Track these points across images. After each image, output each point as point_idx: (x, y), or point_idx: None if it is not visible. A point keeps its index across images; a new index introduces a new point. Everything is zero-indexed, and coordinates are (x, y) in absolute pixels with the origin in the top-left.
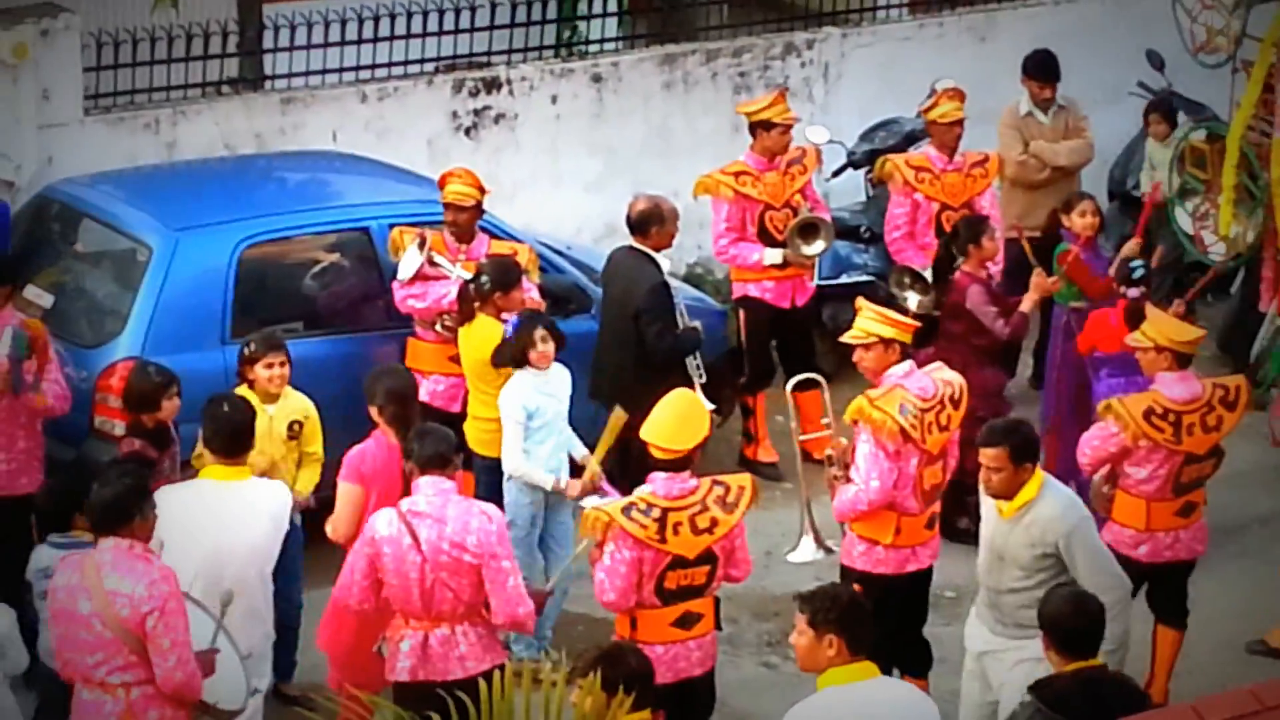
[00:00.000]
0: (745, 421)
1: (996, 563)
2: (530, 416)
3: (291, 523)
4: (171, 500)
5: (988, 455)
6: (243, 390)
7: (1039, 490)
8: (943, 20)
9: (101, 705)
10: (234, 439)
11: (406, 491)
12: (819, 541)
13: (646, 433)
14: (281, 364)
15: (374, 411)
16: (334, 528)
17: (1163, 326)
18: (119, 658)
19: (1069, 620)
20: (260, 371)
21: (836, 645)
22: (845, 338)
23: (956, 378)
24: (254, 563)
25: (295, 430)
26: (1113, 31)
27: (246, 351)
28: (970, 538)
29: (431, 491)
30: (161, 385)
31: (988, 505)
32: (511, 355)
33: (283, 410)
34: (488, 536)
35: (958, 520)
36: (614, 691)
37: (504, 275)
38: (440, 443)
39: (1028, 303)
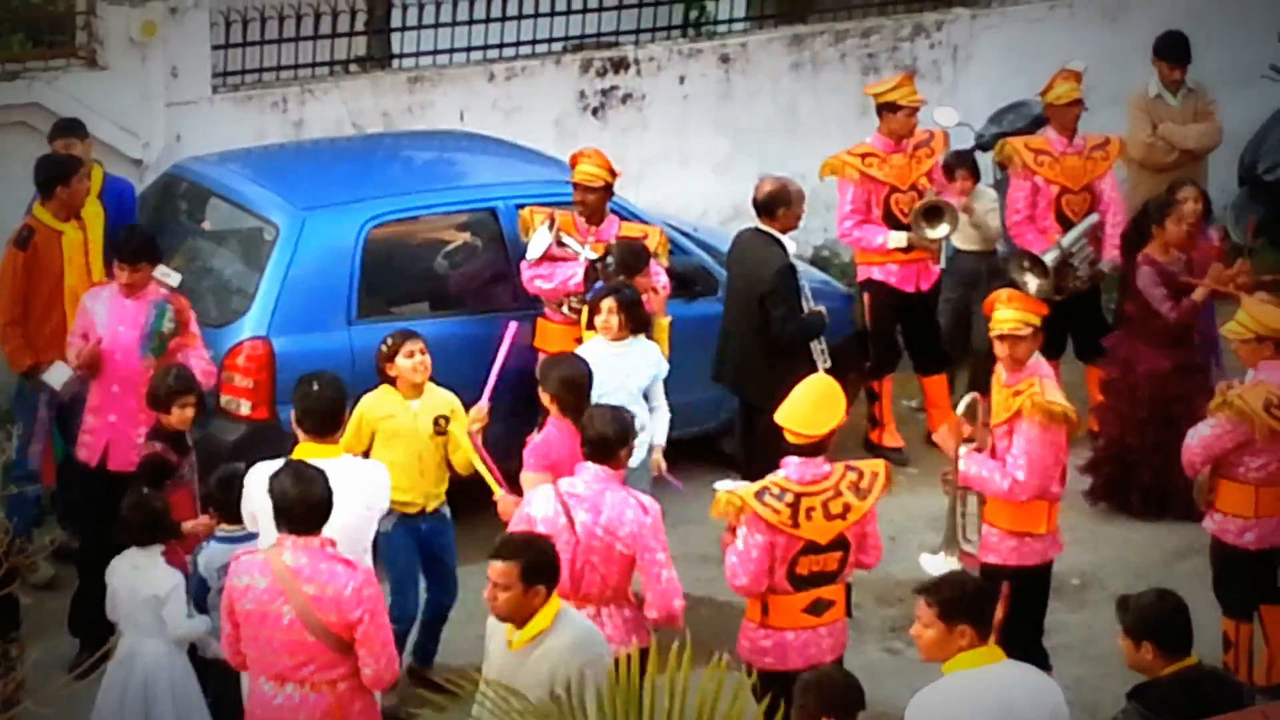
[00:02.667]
0: (870, 406)
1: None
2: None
3: (441, 517)
4: (264, 477)
5: (496, 570)
6: (384, 391)
7: (554, 620)
8: (1073, 2)
9: (305, 700)
10: (325, 418)
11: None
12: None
13: (782, 416)
14: (422, 351)
15: (546, 399)
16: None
17: (1261, 315)
18: (323, 658)
19: (1172, 618)
20: (402, 362)
21: (969, 636)
22: (1001, 329)
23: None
24: (344, 541)
25: (441, 425)
26: (1245, 13)
27: (384, 347)
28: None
29: (590, 477)
30: (173, 391)
31: (497, 634)
32: (588, 320)
33: (426, 405)
34: (641, 529)
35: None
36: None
37: (631, 259)
38: (604, 430)
39: (1200, 292)
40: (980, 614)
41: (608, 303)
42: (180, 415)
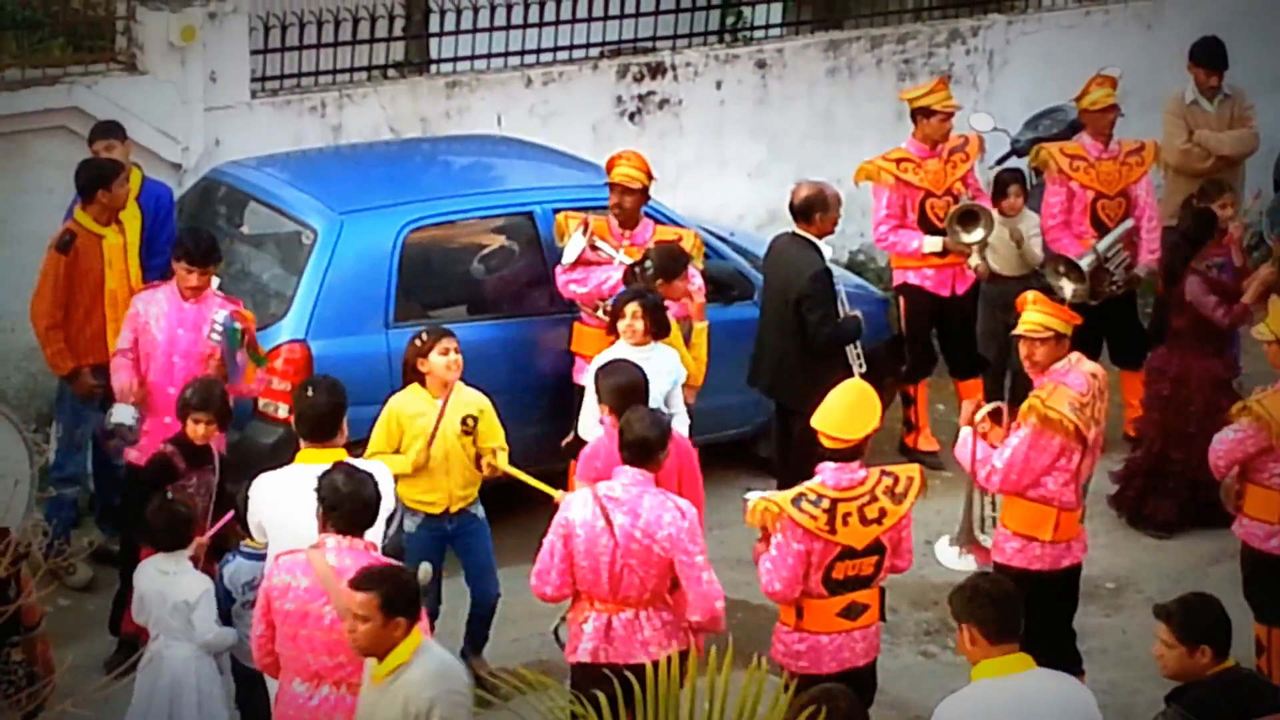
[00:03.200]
0: (906, 410)
1: None
2: None
3: (470, 516)
4: (268, 485)
5: (355, 601)
6: (413, 390)
7: (413, 653)
8: (1109, 8)
9: (341, 700)
10: (322, 423)
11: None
12: (970, 547)
13: (818, 421)
14: (456, 350)
15: (603, 408)
16: None
17: None
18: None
19: (1223, 621)
20: (435, 359)
21: (973, 634)
22: (1019, 331)
23: (1100, 369)
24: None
25: (469, 425)
26: None
27: (418, 343)
28: (1163, 528)
29: (628, 480)
30: (188, 405)
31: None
32: (609, 324)
33: (454, 405)
34: (679, 532)
35: (1155, 509)
36: None
37: (669, 262)
38: (644, 433)
39: (1250, 294)
40: (991, 616)
41: (631, 307)
42: (193, 429)
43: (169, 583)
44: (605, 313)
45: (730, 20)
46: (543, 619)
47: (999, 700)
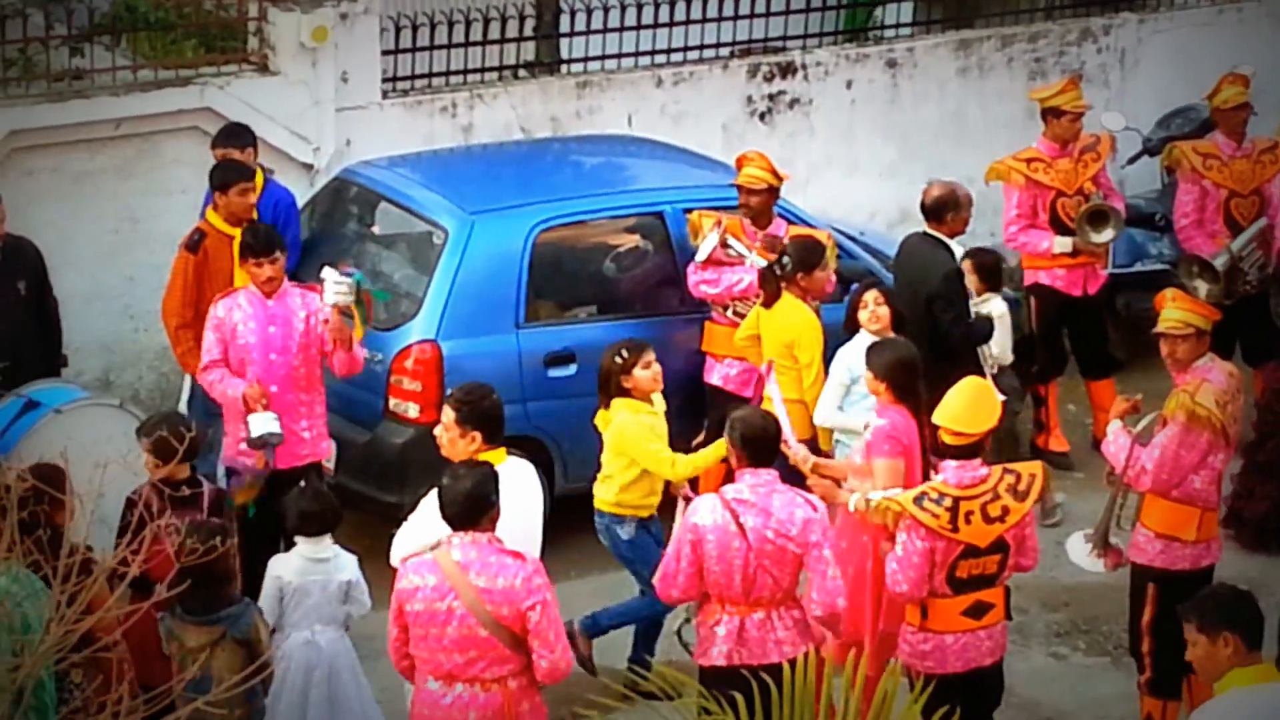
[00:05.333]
0: (1036, 410)
1: None
2: (854, 381)
3: (656, 521)
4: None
5: None
6: (628, 404)
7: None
8: (1241, 6)
9: (475, 698)
10: (499, 424)
11: (927, 468)
12: (1104, 549)
13: (939, 417)
14: (655, 360)
15: (879, 386)
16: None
17: None
18: (494, 653)
19: (1248, 605)
20: (640, 374)
21: (1233, 644)
22: (1160, 328)
23: (1235, 368)
24: (521, 539)
25: None
26: None
27: (620, 359)
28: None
29: (754, 481)
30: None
31: None
32: (845, 318)
33: (660, 413)
34: (811, 526)
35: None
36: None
37: (807, 255)
38: (760, 431)
39: None
40: (1245, 623)
41: (871, 295)
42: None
43: (329, 568)
44: (736, 313)
45: (860, 19)
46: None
47: (1260, 708)
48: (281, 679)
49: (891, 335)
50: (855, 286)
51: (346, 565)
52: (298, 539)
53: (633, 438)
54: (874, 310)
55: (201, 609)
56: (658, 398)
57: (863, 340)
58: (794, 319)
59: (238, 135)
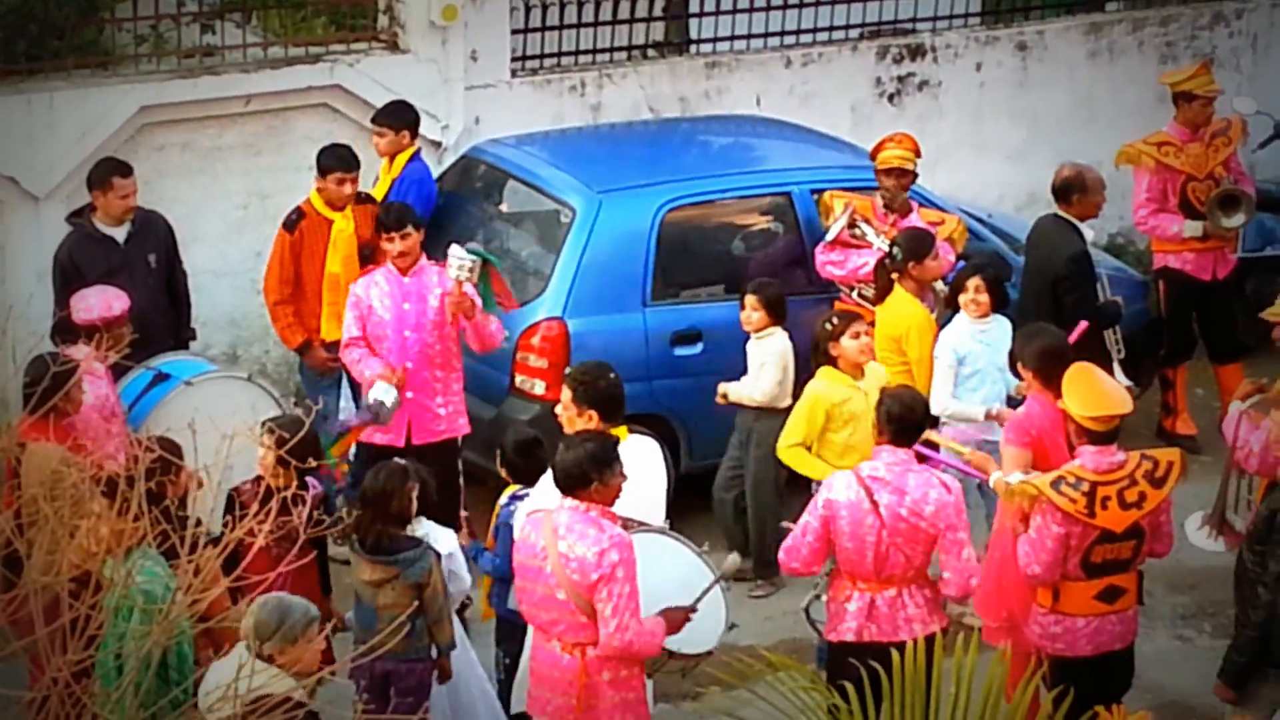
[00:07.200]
0: (1164, 394)
1: None
2: (960, 361)
3: None
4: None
5: None
6: (828, 375)
7: None
8: None
9: (560, 659)
10: (620, 404)
11: (1071, 453)
12: (1221, 529)
13: (1073, 408)
14: (867, 333)
15: (1026, 373)
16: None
17: None
18: (572, 619)
19: None
20: (848, 343)
21: None
22: (1267, 313)
23: None
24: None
25: None
26: None
27: (829, 327)
28: None
29: (891, 459)
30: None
31: None
32: (946, 299)
33: (871, 385)
34: (946, 507)
35: None
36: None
37: (916, 245)
38: (906, 411)
39: None
40: None
41: (973, 281)
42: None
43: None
44: (861, 295)
45: (991, 1)
46: (793, 596)
47: None
48: None
49: (992, 317)
50: (961, 264)
51: (442, 539)
52: None
53: (794, 413)
54: (974, 297)
55: (375, 547)
56: (871, 371)
57: (962, 321)
58: (903, 314)
59: (388, 115)
